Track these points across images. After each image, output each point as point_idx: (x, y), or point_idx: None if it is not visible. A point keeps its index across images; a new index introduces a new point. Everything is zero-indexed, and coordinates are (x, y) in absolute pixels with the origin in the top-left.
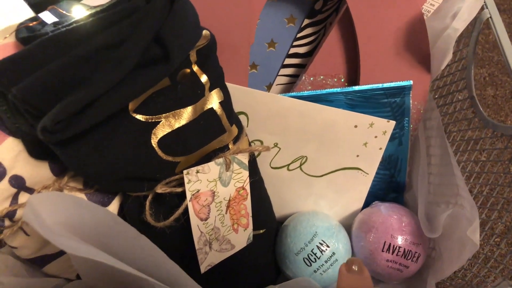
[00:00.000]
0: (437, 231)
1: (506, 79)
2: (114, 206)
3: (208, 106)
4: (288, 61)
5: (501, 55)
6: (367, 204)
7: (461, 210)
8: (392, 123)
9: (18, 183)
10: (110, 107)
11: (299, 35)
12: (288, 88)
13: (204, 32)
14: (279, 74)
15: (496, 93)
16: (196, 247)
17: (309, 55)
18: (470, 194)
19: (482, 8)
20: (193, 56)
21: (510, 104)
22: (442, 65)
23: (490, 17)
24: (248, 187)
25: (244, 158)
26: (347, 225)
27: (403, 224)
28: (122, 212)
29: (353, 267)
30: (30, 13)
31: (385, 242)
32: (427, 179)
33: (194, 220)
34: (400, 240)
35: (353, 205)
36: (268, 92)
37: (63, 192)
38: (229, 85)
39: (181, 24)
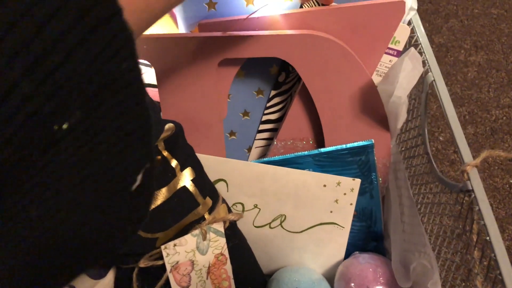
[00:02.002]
0: (409, 281)
1: (486, 115)
2: (110, 277)
3: (181, 184)
4: (263, 126)
5: (480, 93)
6: (348, 254)
7: (426, 262)
8: (358, 181)
9: None
10: None
11: (268, 105)
12: (266, 150)
13: (167, 125)
14: (256, 138)
15: (477, 131)
16: None
17: (280, 120)
18: (430, 246)
19: (426, 71)
20: (161, 145)
21: (490, 141)
22: (398, 125)
23: (434, 80)
24: (226, 252)
25: (220, 227)
26: (331, 275)
27: (378, 275)
28: None
29: None
30: None
31: None
32: (401, 228)
33: None
34: None
35: (335, 256)
36: (249, 154)
37: None
38: (207, 157)
39: None
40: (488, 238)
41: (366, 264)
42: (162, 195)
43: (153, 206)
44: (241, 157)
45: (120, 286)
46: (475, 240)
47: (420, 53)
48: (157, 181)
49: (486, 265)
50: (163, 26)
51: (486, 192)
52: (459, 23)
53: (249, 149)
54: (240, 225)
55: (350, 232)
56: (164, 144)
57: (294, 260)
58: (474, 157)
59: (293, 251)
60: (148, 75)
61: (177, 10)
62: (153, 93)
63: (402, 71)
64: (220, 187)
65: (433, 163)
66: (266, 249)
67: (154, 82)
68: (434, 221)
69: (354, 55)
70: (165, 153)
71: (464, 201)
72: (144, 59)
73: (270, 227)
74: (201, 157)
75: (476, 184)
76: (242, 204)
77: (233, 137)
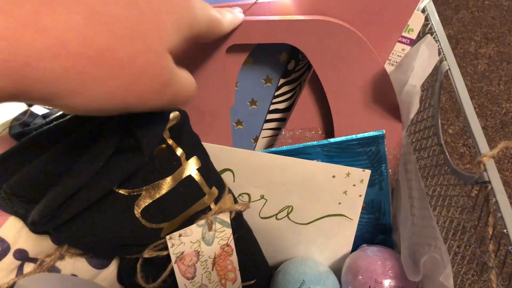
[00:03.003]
0: (418, 274)
1: (496, 109)
2: (113, 267)
3: (186, 173)
4: (270, 116)
5: (490, 85)
6: (356, 246)
7: (437, 255)
8: (368, 172)
9: (22, 256)
10: (91, 197)
11: (276, 93)
12: (273, 140)
13: (173, 114)
14: (264, 128)
15: (486, 124)
16: None
17: (288, 109)
18: (442, 239)
19: (441, 60)
20: (166, 133)
21: (500, 134)
22: (410, 115)
23: (449, 69)
24: (232, 243)
25: (226, 217)
26: (338, 268)
27: (387, 268)
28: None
29: None
30: (23, 106)
31: (369, 286)
32: (411, 221)
33: (180, 280)
34: (384, 284)
35: (342, 249)
36: (255, 144)
37: (48, 273)
38: (213, 146)
39: (147, 115)
40: (505, 230)
41: (374, 257)
42: (167, 185)
43: (157, 196)
44: (248, 147)
45: (123, 277)
46: (491, 233)
47: (435, 41)
48: (161, 170)
49: (501, 260)
50: None
51: None
52: (469, 14)
53: (256, 139)
54: (246, 216)
55: (358, 224)
56: (169, 133)
57: (301, 252)
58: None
59: (299, 243)
60: None
61: None
62: None
63: (417, 59)
64: (226, 177)
65: (447, 154)
66: (272, 241)
67: None
68: (445, 214)
69: (367, 43)
70: (170, 142)
71: (479, 193)
72: None
73: (277, 219)
74: (207, 146)
75: (493, 175)
76: (249, 195)
77: (240, 126)
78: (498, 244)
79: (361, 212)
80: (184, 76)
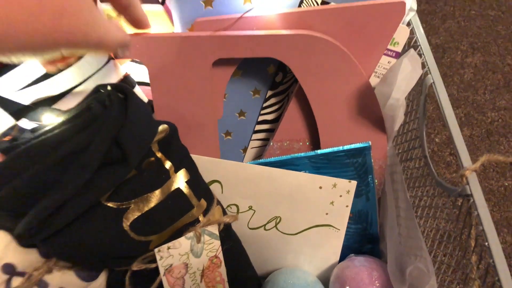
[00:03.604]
0: (404, 284)
1: (482, 118)
2: (101, 280)
3: (175, 186)
4: (259, 127)
5: (476, 95)
6: (344, 256)
7: (422, 265)
8: (354, 183)
9: (10, 270)
10: (78, 209)
11: (265, 105)
12: (262, 150)
13: (161, 127)
14: (252, 139)
15: (473, 133)
16: None
17: (276, 120)
18: (427, 250)
19: (426, 73)
20: (155, 146)
21: (486, 143)
22: (395, 127)
23: (433, 82)
24: (221, 255)
25: (214, 229)
26: (326, 278)
27: (374, 278)
28: None
29: None
30: (11, 121)
31: None
32: (398, 231)
33: None
34: None
35: (330, 259)
36: (244, 154)
37: None
38: (201, 158)
39: (135, 128)
40: (486, 243)
41: (362, 267)
42: (155, 198)
43: (146, 209)
44: (237, 157)
45: None
46: (473, 245)
47: (420, 54)
48: (150, 183)
49: (483, 270)
50: (159, 23)
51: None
52: (456, 24)
53: (245, 150)
54: (235, 226)
55: (346, 234)
56: (158, 146)
57: (289, 262)
58: (472, 160)
59: (288, 253)
60: (141, 72)
61: (173, 8)
62: (147, 92)
63: (400, 73)
64: (214, 188)
65: (431, 166)
66: (260, 251)
67: (147, 80)
68: (431, 224)
69: (350, 56)
70: (159, 155)
71: (462, 206)
72: (137, 58)
73: (265, 229)
74: (195, 158)
75: (475, 189)
76: (237, 206)
77: (229, 137)
78: (480, 256)
79: (349, 222)
80: (108, 23)
